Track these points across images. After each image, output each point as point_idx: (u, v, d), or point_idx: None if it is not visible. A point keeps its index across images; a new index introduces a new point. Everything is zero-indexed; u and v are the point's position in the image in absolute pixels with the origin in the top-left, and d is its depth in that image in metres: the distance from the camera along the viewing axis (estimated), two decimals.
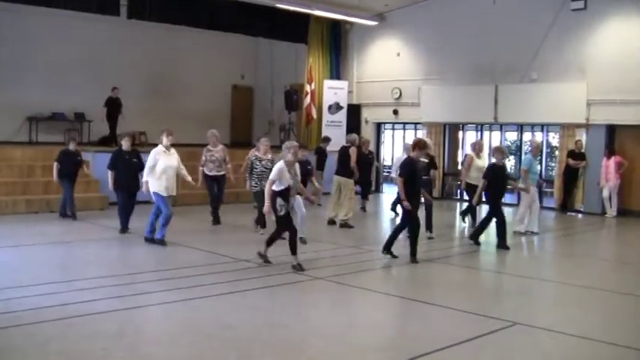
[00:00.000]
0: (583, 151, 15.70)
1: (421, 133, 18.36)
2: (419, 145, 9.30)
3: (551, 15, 15.88)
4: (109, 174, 10.70)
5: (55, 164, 12.09)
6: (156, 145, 10.26)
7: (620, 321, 6.80)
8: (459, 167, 16.55)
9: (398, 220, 13.09)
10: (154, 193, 9.76)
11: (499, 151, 10.86)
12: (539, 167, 12.83)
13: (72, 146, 12.40)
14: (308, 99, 19.03)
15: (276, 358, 5.33)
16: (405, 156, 10.48)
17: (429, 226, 11.11)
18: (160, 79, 19.32)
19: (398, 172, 9.87)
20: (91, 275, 7.76)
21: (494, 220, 10.56)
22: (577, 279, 8.66)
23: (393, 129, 20.42)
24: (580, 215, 15.66)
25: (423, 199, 10.18)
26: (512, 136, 18.82)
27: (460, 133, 19.14)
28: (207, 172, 11.86)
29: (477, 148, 12.61)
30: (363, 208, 14.73)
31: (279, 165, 8.29)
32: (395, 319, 6.91)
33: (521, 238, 11.74)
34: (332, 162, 13.85)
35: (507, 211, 11.54)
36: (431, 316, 6.73)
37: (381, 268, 9.16)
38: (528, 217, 12.17)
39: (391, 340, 6.04)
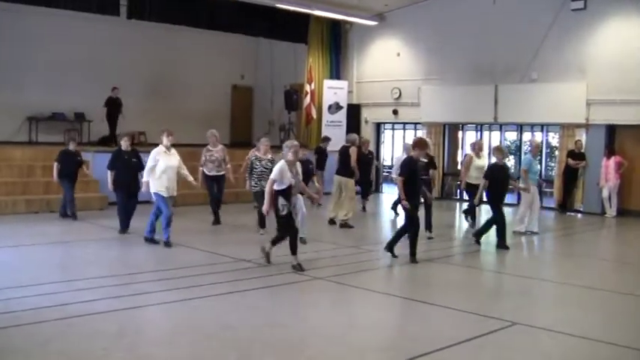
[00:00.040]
0: (583, 151, 15.70)
1: (421, 133, 18.35)
2: (419, 144, 9.30)
3: (551, 15, 15.88)
4: (109, 174, 10.70)
5: (55, 164, 12.09)
6: (156, 145, 10.26)
7: (620, 321, 6.80)
8: (459, 167, 16.56)
9: (399, 220, 13.18)
10: (154, 193, 9.75)
11: (499, 151, 10.87)
12: (539, 167, 12.83)
13: (72, 146, 12.41)
14: (308, 99, 19.04)
15: (276, 358, 5.33)
16: (405, 156, 10.49)
17: (428, 226, 11.11)
18: (160, 79, 19.32)
19: (398, 171, 9.87)
20: (90, 275, 7.76)
21: (495, 218, 10.55)
22: (577, 279, 8.66)
23: (393, 129, 20.43)
24: (580, 215, 15.67)
25: (422, 200, 10.17)
26: (511, 136, 18.82)
27: (460, 133, 19.15)
28: (206, 172, 11.86)
29: (477, 148, 12.62)
30: (364, 208, 14.74)
31: (280, 164, 8.29)
32: (395, 319, 6.91)
33: (521, 238, 11.74)
34: (333, 162, 13.87)
35: (507, 211, 11.52)
36: (431, 316, 6.74)
37: (381, 268, 9.17)
38: (528, 216, 12.17)
39: (391, 340, 6.04)
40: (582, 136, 15.87)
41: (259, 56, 22.09)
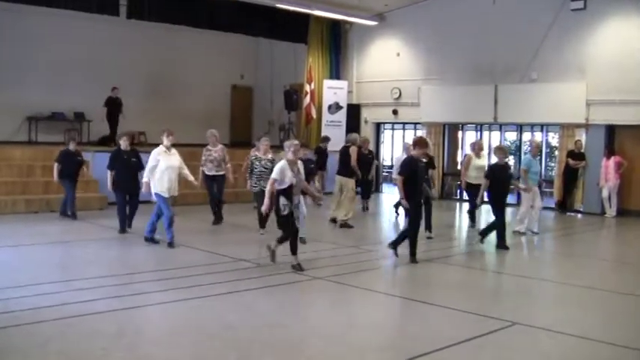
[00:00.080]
0: (583, 151, 15.71)
1: (421, 133, 18.34)
2: (419, 143, 9.29)
3: (550, 15, 15.88)
4: (108, 174, 10.70)
5: (56, 165, 12.07)
6: (155, 145, 10.26)
7: (620, 321, 6.79)
8: (459, 167, 16.57)
9: (400, 220, 13.16)
10: (155, 194, 9.73)
11: (500, 151, 10.86)
12: (539, 167, 12.81)
13: (72, 146, 12.40)
14: (308, 99, 19.04)
15: (275, 357, 5.33)
16: (405, 155, 10.48)
17: (428, 226, 11.10)
18: (160, 79, 19.31)
19: (398, 171, 9.86)
20: (90, 275, 7.75)
21: (495, 219, 10.52)
22: (576, 279, 8.66)
23: (393, 129, 20.44)
24: (579, 215, 15.67)
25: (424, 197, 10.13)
26: (511, 136, 18.82)
27: (460, 133, 19.15)
28: (206, 172, 11.87)
29: (476, 147, 12.63)
30: (364, 208, 14.71)
31: (281, 163, 8.27)
32: (394, 319, 6.91)
33: (521, 238, 11.73)
34: (334, 162, 13.91)
35: (508, 211, 11.51)
36: (430, 316, 6.73)
37: (381, 268, 9.17)
38: (529, 216, 12.17)
39: (390, 340, 6.03)
40: (582, 136, 15.87)
41: (259, 56, 22.09)
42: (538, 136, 17.36)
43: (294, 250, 8.35)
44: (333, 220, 12.38)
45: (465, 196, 14.19)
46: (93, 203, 13.46)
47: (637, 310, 7.38)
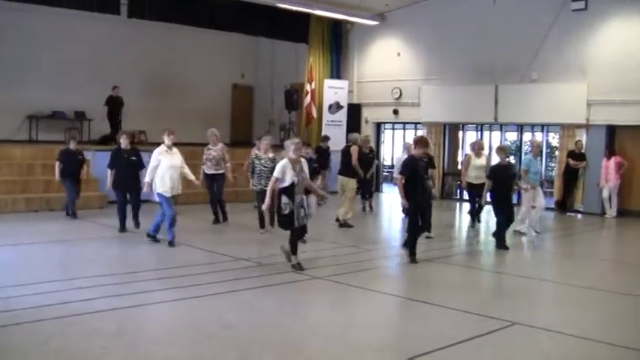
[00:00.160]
0: (583, 151, 15.70)
1: (421, 133, 18.33)
2: (420, 142, 9.29)
3: (551, 15, 15.88)
4: (109, 173, 10.71)
5: (57, 164, 12.06)
6: (156, 144, 10.26)
7: (620, 321, 6.80)
8: (459, 167, 16.57)
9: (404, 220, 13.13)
10: (157, 193, 9.73)
11: (502, 151, 10.85)
12: (539, 167, 12.81)
13: (72, 145, 12.38)
14: (308, 98, 19.02)
15: (275, 357, 5.34)
16: (406, 155, 10.48)
17: (427, 226, 11.07)
18: (160, 78, 19.31)
19: (399, 170, 9.86)
20: (90, 274, 7.76)
21: (496, 219, 10.52)
22: (576, 279, 8.66)
23: (393, 129, 20.44)
24: (580, 215, 15.67)
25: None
26: (512, 136, 18.82)
27: (460, 133, 19.14)
28: (205, 171, 11.89)
29: (476, 147, 12.63)
30: (364, 208, 14.68)
31: (282, 162, 8.25)
32: (394, 319, 6.91)
33: (521, 238, 11.73)
34: (336, 162, 13.94)
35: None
36: (430, 316, 6.73)
37: (381, 267, 9.18)
38: (529, 216, 12.17)
39: (390, 340, 6.04)
40: (582, 137, 15.87)
41: (260, 56, 22.09)
42: (538, 136, 17.35)
43: (294, 250, 8.34)
44: (338, 220, 12.36)
45: (466, 195, 14.19)
46: (93, 202, 13.47)
47: (636, 310, 7.39)
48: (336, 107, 19.46)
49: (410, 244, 9.14)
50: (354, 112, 19.79)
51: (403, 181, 9.13)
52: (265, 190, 8.82)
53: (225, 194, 12.64)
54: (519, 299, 7.59)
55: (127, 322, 6.05)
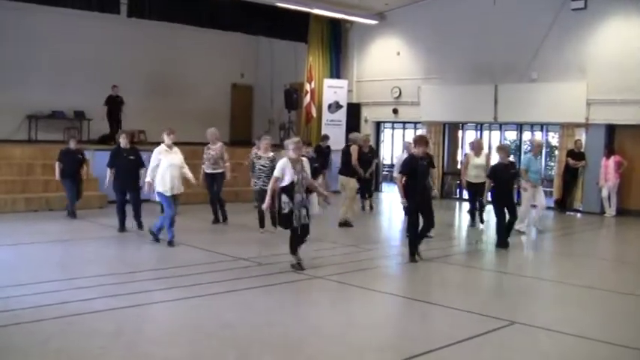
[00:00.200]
0: (582, 150, 15.71)
1: (421, 132, 18.32)
2: (420, 141, 9.29)
3: (551, 15, 15.88)
4: (108, 172, 10.71)
5: (57, 164, 12.04)
6: (155, 143, 10.26)
7: (619, 320, 6.80)
8: (459, 166, 16.58)
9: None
10: (157, 193, 9.73)
11: (502, 150, 10.84)
12: (540, 166, 12.79)
13: (72, 145, 12.37)
14: (308, 98, 19.03)
15: (274, 357, 5.34)
16: (406, 154, 10.47)
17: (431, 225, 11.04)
18: (160, 77, 19.30)
19: (399, 170, 9.85)
20: (90, 274, 7.76)
21: (496, 218, 10.51)
22: (576, 278, 8.66)
23: (393, 128, 20.45)
24: (579, 215, 15.67)
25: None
26: (511, 135, 18.82)
27: (460, 133, 19.15)
28: (205, 170, 11.90)
29: (476, 147, 12.63)
30: (363, 208, 14.67)
31: (282, 161, 8.23)
32: (394, 318, 6.91)
33: (521, 237, 11.73)
34: (336, 161, 13.94)
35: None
36: (430, 315, 6.74)
37: (381, 267, 9.17)
38: (529, 215, 12.17)
39: (390, 339, 6.03)
40: (582, 136, 15.87)
41: (259, 55, 22.08)
42: (538, 136, 17.35)
43: (293, 250, 8.33)
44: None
45: (465, 195, 14.18)
46: (93, 202, 13.45)
47: (636, 309, 7.39)
48: (335, 106, 19.46)
49: (410, 244, 9.14)
50: (354, 111, 19.79)
51: (403, 181, 9.13)
52: (265, 190, 8.81)
53: (225, 194, 12.64)
54: (519, 298, 7.59)
55: (126, 322, 6.05)
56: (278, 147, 12.11)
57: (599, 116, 15.43)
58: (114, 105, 16.47)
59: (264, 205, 8.45)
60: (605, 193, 15.14)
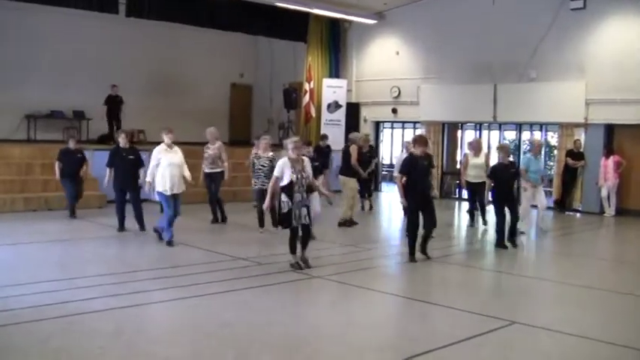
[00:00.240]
0: (582, 150, 15.71)
1: (420, 132, 18.32)
2: (419, 141, 9.28)
3: (550, 14, 15.87)
4: (107, 171, 10.69)
5: (57, 163, 12.03)
6: (155, 143, 10.25)
7: (619, 320, 6.80)
8: (458, 166, 16.57)
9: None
10: (157, 192, 9.71)
11: (502, 150, 10.82)
12: (539, 166, 12.78)
13: (72, 144, 12.35)
14: (307, 97, 19.03)
15: (274, 356, 5.33)
16: (405, 154, 10.46)
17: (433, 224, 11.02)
18: (160, 77, 19.29)
19: (399, 169, 9.85)
20: (89, 273, 7.76)
21: (496, 218, 10.51)
22: (575, 278, 8.66)
23: (392, 128, 20.45)
24: (578, 214, 15.67)
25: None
26: (510, 135, 18.83)
27: (459, 132, 19.15)
28: (204, 170, 11.90)
29: (475, 146, 12.63)
30: (363, 207, 14.65)
31: (282, 160, 8.21)
32: (394, 318, 6.91)
33: (521, 237, 11.70)
34: (336, 160, 13.94)
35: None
36: (430, 315, 6.73)
37: (380, 266, 9.17)
38: (529, 215, 12.17)
39: (390, 339, 6.03)
40: (581, 136, 15.87)
41: (259, 55, 22.08)
42: (537, 135, 17.35)
43: (293, 249, 8.32)
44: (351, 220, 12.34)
45: (465, 194, 14.18)
46: (92, 201, 13.43)
47: (636, 309, 7.39)
48: (334, 106, 19.46)
49: (409, 244, 9.13)
50: (353, 111, 19.78)
51: (403, 180, 9.13)
52: (264, 189, 8.81)
53: (224, 194, 12.62)
54: (519, 298, 7.59)
55: (125, 322, 6.05)
56: (277, 147, 12.10)
57: (598, 116, 15.43)
58: (113, 104, 16.46)
59: (265, 205, 8.44)
60: (604, 192, 15.14)
